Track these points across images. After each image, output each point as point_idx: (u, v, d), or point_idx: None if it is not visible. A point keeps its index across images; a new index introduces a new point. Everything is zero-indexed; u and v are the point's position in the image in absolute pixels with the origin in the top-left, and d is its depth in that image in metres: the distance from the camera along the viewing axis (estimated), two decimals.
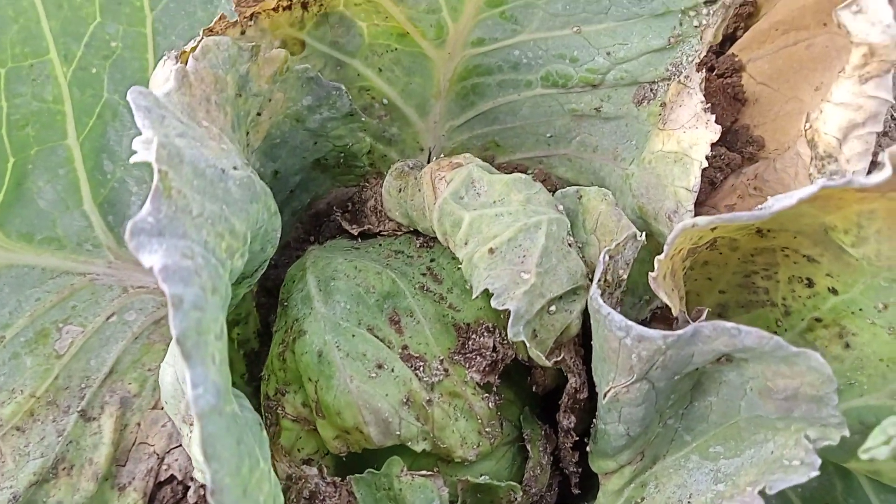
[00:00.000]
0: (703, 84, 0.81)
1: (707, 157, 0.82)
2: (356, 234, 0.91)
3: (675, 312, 0.71)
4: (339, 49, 0.89)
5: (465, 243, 0.74)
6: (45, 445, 0.96)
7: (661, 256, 0.65)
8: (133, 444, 1.03)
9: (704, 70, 0.81)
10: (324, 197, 1.03)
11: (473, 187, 0.77)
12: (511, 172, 1.10)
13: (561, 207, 0.80)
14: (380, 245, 0.87)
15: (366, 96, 0.97)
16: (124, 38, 0.89)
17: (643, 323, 0.95)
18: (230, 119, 0.72)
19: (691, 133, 0.81)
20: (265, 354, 0.92)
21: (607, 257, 0.70)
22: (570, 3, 0.87)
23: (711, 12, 0.80)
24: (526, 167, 1.11)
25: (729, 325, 0.58)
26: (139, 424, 1.04)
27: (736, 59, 1.05)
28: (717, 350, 0.61)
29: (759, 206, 0.65)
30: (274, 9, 0.77)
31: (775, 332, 0.91)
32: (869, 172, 0.76)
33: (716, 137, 0.79)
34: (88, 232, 1.00)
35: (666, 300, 0.70)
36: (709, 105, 0.79)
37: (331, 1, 0.82)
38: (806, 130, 0.75)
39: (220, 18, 0.73)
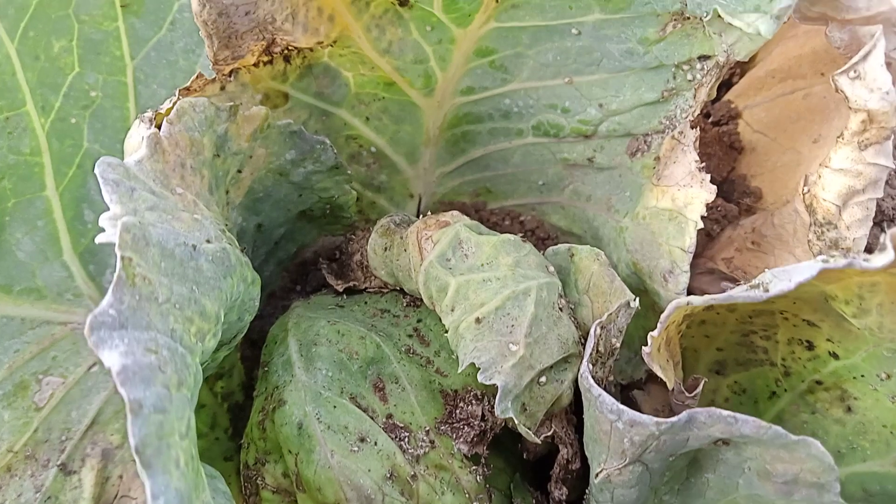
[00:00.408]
0: (699, 132, 0.79)
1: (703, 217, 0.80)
2: (341, 290, 0.88)
3: (669, 386, 0.68)
4: (324, 99, 0.87)
5: (452, 310, 0.71)
6: (21, 503, 0.93)
7: (654, 333, 0.62)
8: (115, 498, 1.00)
9: (700, 118, 0.78)
10: (310, 246, 1.01)
11: (461, 248, 0.75)
12: (503, 218, 1.09)
13: (552, 269, 0.77)
14: (365, 303, 0.85)
15: (353, 144, 0.95)
16: (104, 88, 0.87)
17: (638, 384, 0.92)
18: (207, 182, 0.69)
19: (686, 191, 0.79)
20: (250, 407, 0.89)
21: (599, 329, 0.67)
22: (561, 54, 0.85)
23: (706, 68, 0.77)
24: (518, 213, 1.08)
25: (725, 413, 0.56)
26: (121, 477, 1.01)
27: (732, 106, 1.03)
28: (712, 436, 0.58)
29: (757, 282, 0.62)
30: (255, 64, 0.75)
31: (774, 392, 0.89)
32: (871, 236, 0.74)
33: (711, 197, 0.76)
34: (69, 282, 0.97)
35: (660, 374, 0.67)
36: (704, 164, 0.77)
37: (314, 53, 0.80)
38: (804, 194, 0.73)
39: (196, 77, 0.70)
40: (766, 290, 0.58)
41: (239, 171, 0.77)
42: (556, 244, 1.06)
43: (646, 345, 0.63)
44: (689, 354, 0.89)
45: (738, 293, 0.59)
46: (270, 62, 0.76)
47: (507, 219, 1.07)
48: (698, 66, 0.79)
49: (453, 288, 0.71)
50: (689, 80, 0.81)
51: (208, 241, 0.60)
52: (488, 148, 1.00)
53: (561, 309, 0.75)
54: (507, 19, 0.81)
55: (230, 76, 0.73)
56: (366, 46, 0.80)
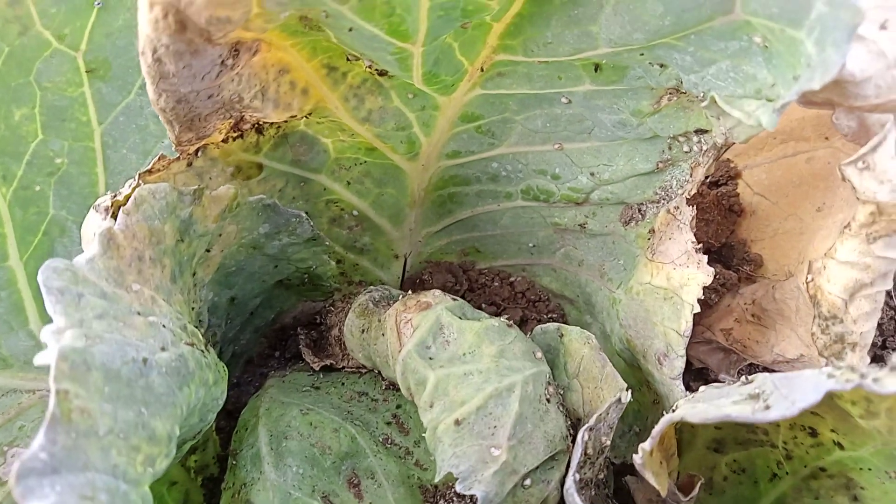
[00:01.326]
0: (695, 211, 0.74)
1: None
2: (318, 368, 0.83)
3: (662, 494, 0.64)
4: (301, 167, 0.82)
5: (431, 406, 0.66)
6: None
7: (646, 446, 0.58)
8: None
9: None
10: (290, 311, 0.96)
11: (442, 334, 0.70)
12: (492, 279, 1.04)
13: (539, 354, 0.72)
14: (342, 384, 0.80)
15: (334, 208, 0.90)
16: (70, 154, 0.83)
17: (630, 467, 0.87)
18: (169, 270, 0.65)
19: (682, 271, 0.74)
20: None
21: (587, 434, 0.62)
22: (551, 121, 0.81)
23: (703, 142, 0.73)
24: (508, 274, 1.04)
25: None
26: None
27: (731, 165, 0.98)
28: None
29: (755, 390, 0.58)
30: (223, 140, 0.70)
31: (776, 474, 0.84)
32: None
33: (708, 280, 0.72)
34: (36, 350, 0.93)
35: (653, 482, 0.62)
36: (700, 245, 0.72)
37: (289, 123, 0.75)
38: (808, 283, 0.68)
39: (159, 158, 0.66)
40: (767, 407, 0.53)
41: (207, 251, 0.73)
42: (547, 306, 1.02)
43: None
44: (686, 432, 0.85)
45: (735, 411, 0.54)
46: (241, 136, 0.72)
47: (496, 279, 1.03)
48: (695, 138, 0.74)
49: (432, 382, 0.66)
50: (686, 152, 0.77)
51: (163, 349, 0.55)
52: (476, 209, 0.96)
53: (548, 400, 0.70)
54: (493, 87, 0.77)
55: (197, 153, 0.69)
56: (344, 116, 0.76)
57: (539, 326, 0.79)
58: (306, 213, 0.88)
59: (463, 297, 1.02)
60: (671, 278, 0.76)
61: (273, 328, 0.97)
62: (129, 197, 0.62)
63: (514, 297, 1.02)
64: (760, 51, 0.58)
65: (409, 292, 0.76)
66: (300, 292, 0.92)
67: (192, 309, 0.73)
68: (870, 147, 0.58)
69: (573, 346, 0.76)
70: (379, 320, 0.75)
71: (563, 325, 0.77)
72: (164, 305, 0.62)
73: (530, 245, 0.99)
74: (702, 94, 0.65)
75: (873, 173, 0.59)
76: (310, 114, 0.74)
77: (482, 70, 0.74)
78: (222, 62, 0.57)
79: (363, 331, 0.77)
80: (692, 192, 0.74)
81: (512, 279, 1.03)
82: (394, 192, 0.91)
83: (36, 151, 0.81)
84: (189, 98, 0.57)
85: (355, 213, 0.92)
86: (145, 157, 0.84)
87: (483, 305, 1.02)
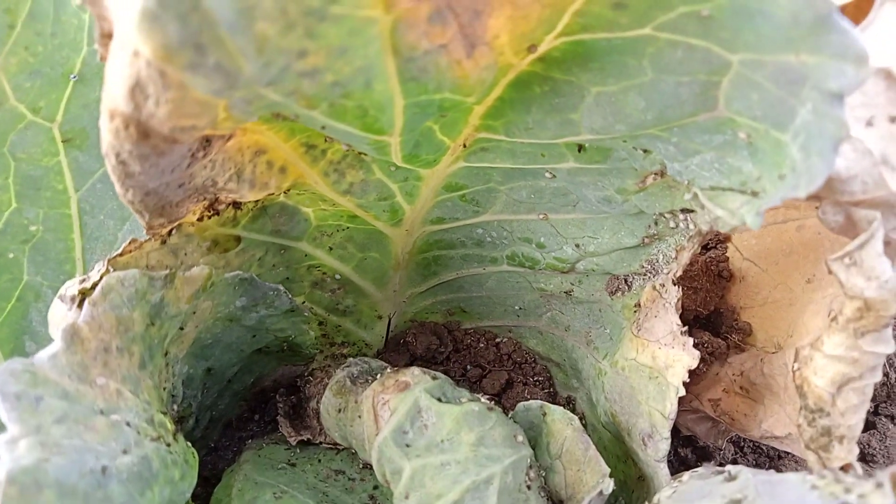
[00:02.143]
0: (681, 292, 0.73)
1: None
2: (295, 443, 0.81)
3: None
4: (281, 236, 0.81)
5: (406, 497, 0.64)
6: None
7: None
8: None
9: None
10: (270, 375, 0.94)
11: (420, 418, 0.68)
12: (478, 339, 1.02)
13: (521, 437, 0.71)
14: (319, 461, 0.78)
15: (316, 273, 0.89)
16: (45, 221, 0.81)
17: None
18: (137, 358, 0.63)
19: (667, 352, 0.73)
20: None
21: None
22: (535, 193, 0.79)
23: (689, 220, 0.72)
24: (495, 335, 1.02)
25: None
26: None
27: None
28: None
29: (737, 494, 0.56)
30: (199, 219, 0.68)
31: None
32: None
33: (694, 364, 0.70)
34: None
35: None
36: (686, 328, 0.71)
37: (268, 196, 0.74)
38: (794, 372, 0.66)
39: (129, 242, 0.64)
40: None
41: (181, 328, 0.71)
42: (534, 369, 1.00)
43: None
44: None
45: None
46: (217, 213, 0.70)
47: (482, 340, 1.01)
48: (681, 216, 0.73)
49: (408, 473, 0.64)
50: (672, 228, 0.75)
51: (125, 452, 0.53)
52: (461, 272, 0.94)
53: (529, 486, 0.68)
54: (476, 161, 0.75)
55: (171, 232, 0.67)
56: (324, 189, 0.75)
57: (522, 404, 0.77)
58: (287, 278, 0.87)
59: (448, 358, 1.00)
60: (657, 358, 0.74)
61: (253, 391, 0.95)
62: (97, 284, 0.61)
63: (500, 358, 1.00)
64: (745, 145, 0.56)
65: (388, 370, 0.75)
66: (280, 358, 0.90)
67: (164, 389, 0.71)
68: (857, 244, 0.57)
69: (556, 426, 0.74)
70: (356, 401, 0.73)
71: (545, 403, 0.75)
72: (130, 398, 0.60)
73: (516, 308, 0.97)
74: (686, 182, 0.63)
75: (861, 270, 0.57)
76: (288, 190, 0.72)
77: (465, 146, 0.73)
78: (192, 154, 0.56)
79: (340, 410, 0.75)
80: (678, 275, 0.72)
81: (498, 340, 1.01)
82: (377, 256, 0.90)
83: (9, 220, 0.79)
84: (158, 190, 0.56)
85: (338, 276, 0.90)
86: (123, 223, 0.83)
87: (468, 367, 1.00)
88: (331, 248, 0.86)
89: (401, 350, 0.99)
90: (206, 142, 0.57)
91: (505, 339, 1.01)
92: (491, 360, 0.99)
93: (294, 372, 0.95)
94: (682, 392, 0.71)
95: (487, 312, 1.00)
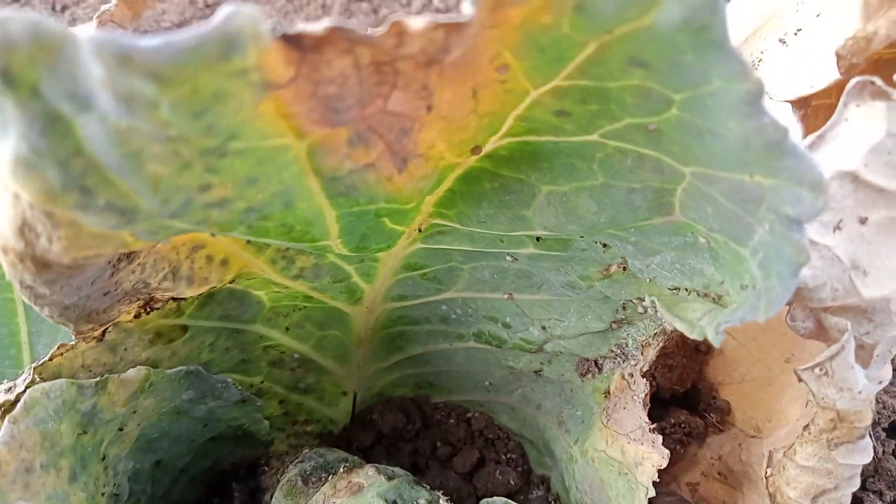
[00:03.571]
0: (649, 387, 0.69)
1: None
2: None
3: None
4: (232, 320, 0.77)
5: None
6: None
7: None
8: None
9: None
10: (228, 459, 0.90)
11: None
12: (448, 415, 0.98)
13: None
14: None
15: (273, 352, 0.85)
16: None
17: None
18: (66, 472, 0.59)
19: (636, 448, 0.69)
20: None
21: None
22: (498, 273, 0.76)
23: (658, 309, 0.68)
24: (465, 410, 0.98)
25: None
26: None
27: None
28: None
29: None
30: (136, 316, 0.65)
31: None
32: None
33: (664, 463, 0.66)
34: None
35: None
36: (654, 424, 0.67)
37: (216, 286, 0.70)
38: (767, 478, 0.62)
39: (58, 347, 0.60)
40: None
41: (121, 429, 0.67)
42: (507, 446, 0.96)
43: None
44: None
45: None
46: (157, 308, 0.66)
47: (452, 416, 0.97)
48: (648, 301, 0.69)
49: None
50: (641, 313, 0.72)
51: None
52: (428, 347, 0.90)
53: None
54: (434, 243, 0.72)
55: (104, 334, 0.63)
56: (273, 276, 0.71)
57: (486, 500, 0.73)
58: (243, 360, 0.83)
59: (417, 434, 0.96)
60: (626, 453, 0.70)
61: (211, 475, 0.90)
62: (22, 395, 0.57)
63: (472, 435, 0.96)
64: (707, 249, 0.53)
65: (342, 469, 0.70)
66: (237, 443, 0.86)
67: (103, 494, 0.67)
68: (828, 355, 0.53)
69: None
70: None
71: (509, 501, 0.71)
72: None
73: (486, 383, 0.93)
74: (648, 280, 0.60)
75: (832, 381, 0.54)
76: (232, 281, 0.69)
77: (420, 230, 0.69)
78: (114, 265, 0.52)
79: None
80: (644, 370, 0.68)
81: (469, 415, 0.97)
82: (338, 334, 0.86)
83: None
84: (78, 304, 0.52)
85: (297, 355, 0.86)
86: None
87: (438, 444, 0.96)
88: (287, 328, 0.82)
89: (367, 427, 0.95)
90: (132, 251, 0.54)
91: (476, 415, 0.97)
92: (462, 437, 0.95)
93: (253, 455, 0.91)
94: (652, 493, 0.67)
95: (457, 387, 0.96)
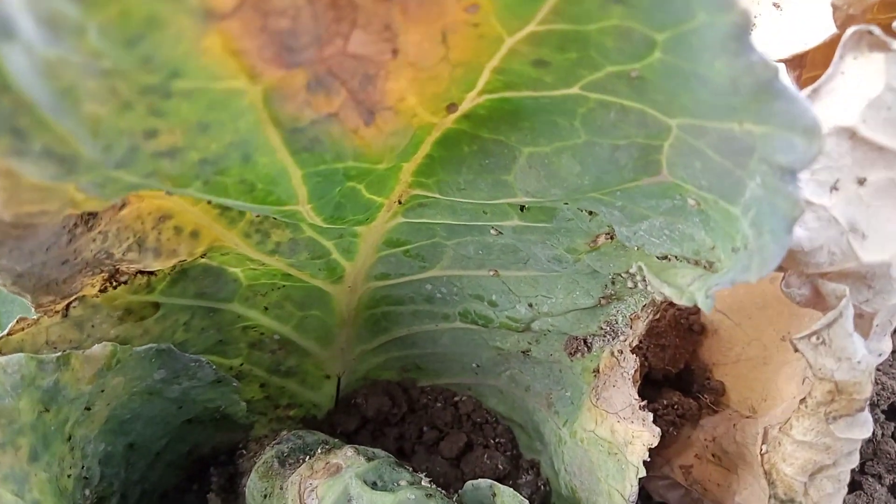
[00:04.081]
0: (638, 364, 0.66)
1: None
2: None
3: None
4: (208, 298, 0.74)
5: None
6: None
7: None
8: None
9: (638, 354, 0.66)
10: (206, 443, 0.87)
11: None
12: (435, 399, 0.95)
13: None
14: None
15: (252, 333, 0.82)
16: None
17: None
18: (26, 451, 0.56)
19: (626, 426, 0.66)
20: None
21: None
22: (483, 248, 0.73)
23: (647, 281, 0.65)
24: (453, 393, 0.95)
25: None
26: None
27: None
28: None
29: None
30: (102, 290, 0.62)
31: None
32: None
33: (655, 441, 0.63)
34: None
35: None
36: (644, 402, 0.64)
37: (186, 259, 0.67)
38: (762, 455, 0.60)
39: (17, 321, 0.57)
40: None
41: (88, 409, 0.64)
42: (495, 430, 0.93)
43: None
44: None
45: None
46: (125, 282, 0.64)
47: (439, 399, 0.94)
48: (639, 276, 0.66)
49: None
50: (631, 288, 0.69)
51: None
52: (413, 328, 0.88)
53: None
54: (415, 216, 0.69)
55: (70, 306, 0.61)
56: (248, 251, 0.68)
57: (471, 483, 0.70)
58: (220, 341, 0.80)
59: (403, 419, 0.93)
60: (615, 432, 0.68)
61: (190, 460, 0.88)
62: None
63: (459, 419, 0.93)
64: (697, 212, 0.50)
65: (320, 450, 0.68)
66: (216, 426, 0.83)
67: (69, 476, 0.64)
68: (824, 322, 0.50)
69: None
70: (281, 487, 0.66)
71: (495, 483, 0.68)
72: (11, 500, 0.53)
73: (474, 365, 0.90)
74: (636, 248, 0.57)
75: (830, 350, 0.51)
76: (204, 254, 0.66)
77: (400, 202, 0.66)
78: (70, 231, 0.49)
79: (265, 496, 0.68)
80: (634, 344, 0.65)
81: (456, 399, 0.94)
82: (319, 314, 0.83)
83: None
84: (33, 271, 0.49)
85: (277, 336, 0.83)
86: None
87: (425, 428, 0.93)
88: (266, 308, 0.79)
89: (351, 412, 0.92)
90: (90, 215, 0.51)
91: (464, 398, 0.94)
92: (449, 421, 0.92)
93: (233, 439, 0.88)
94: (643, 472, 0.64)
95: (444, 370, 0.93)
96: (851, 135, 0.48)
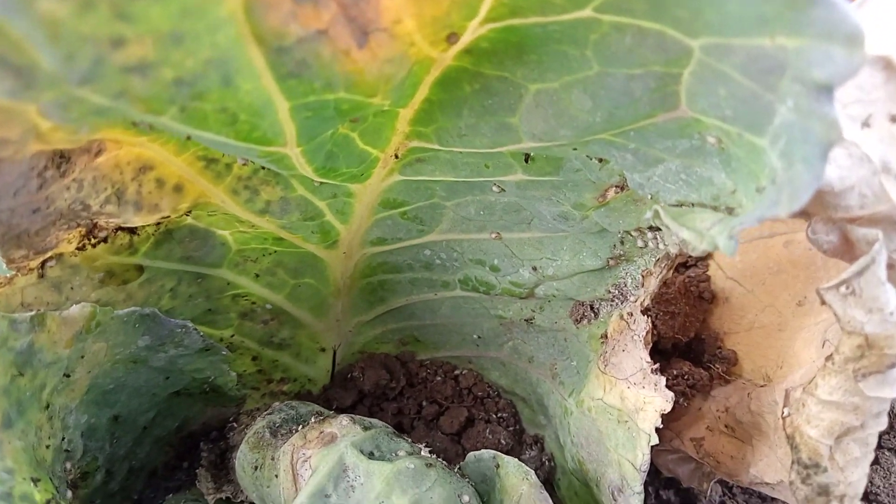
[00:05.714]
0: (650, 325, 0.63)
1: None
2: (212, 502, 0.70)
3: None
4: (195, 262, 0.70)
5: None
6: None
7: None
8: None
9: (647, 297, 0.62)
10: (197, 418, 0.84)
11: (346, 478, 0.58)
12: (435, 372, 0.92)
13: (467, 497, 0.60)
14: None
15: (243, 302, 0.78)
16: None
17: None
18: None
19: (637, 392, 0.62)
20: None
21: None
22: (485, 209, 0.69)
23: (659, 239, 0.61)
24: (453, 367, 0.92)
25: None
26: None
27: None
28: None
29: None
30: (79, 247, 0.58)
31: None
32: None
33: (668, 406, 0.60)
34: None
35: None
36: (657, 365, 0.60)
37: (170, 218, 0.63)
38: (784, 419, 0.56)
39: None
40: None
41: (67, 376, 0.61)
42: (497, 404, 0.90)
43: None
44: None
45: None
46: (105, 239, 0.60)
47: (439, 373, 0.90)
48: (650, 234, 0.63)
49: None
50: (641, 247, 0.65)
51: None
52: (411, 298, 0.84)
53: None
54: (413, 174, 0.65)
55: (45, 264, 0.57)
56: (235, 210, 0.64)
57: (473, 454, 0.67)
58: (210, 310, 0.76)
59: (401, 393, 0.90)
60: (625, 399, 0.64)
61: (179, 436, 0.84)
62: None
63: (459, 393, 0.90)
64: (716, 152, 0.46)
65: (313, 420, 0.64)
66: (205, 400, 0.80)
67: (48, 447, 0.61)
68: (855, 270, 0.47)
69: (510, 480, 0.64)
70: (273, 457, 0.63)
71: (498, 454, 0.65)
72: None
73: (475, 336, 0.87)
74: (650, 196, 0.53)
75: (860, 300, 0.47)
76: (189, 211, 0.62)
77: (397, 157, 0.62)
78: (40, 174, 0.45)
79: (256, 468, 0.64)
80: (646, 303, 0.62)
81: (457, 372, 0.91)
82: (313, 283, 0.80)
83: None
84: (1, 220, 0.45)
85: (269, 306, 0.80)
86: None
87: (424, 403, 0.89)
88: (257, 275, 0.76)
89: (348, 386, 0.89)
90: (62, 158, 0.47)
91: (465, 371, 0.90)
92: (449, 395, 0.89)
93: (223, 414, 0.84)
94: (655, 440, 0.61)
95: (444, 342, 0.89)
96: (886, 64, 0.44)
